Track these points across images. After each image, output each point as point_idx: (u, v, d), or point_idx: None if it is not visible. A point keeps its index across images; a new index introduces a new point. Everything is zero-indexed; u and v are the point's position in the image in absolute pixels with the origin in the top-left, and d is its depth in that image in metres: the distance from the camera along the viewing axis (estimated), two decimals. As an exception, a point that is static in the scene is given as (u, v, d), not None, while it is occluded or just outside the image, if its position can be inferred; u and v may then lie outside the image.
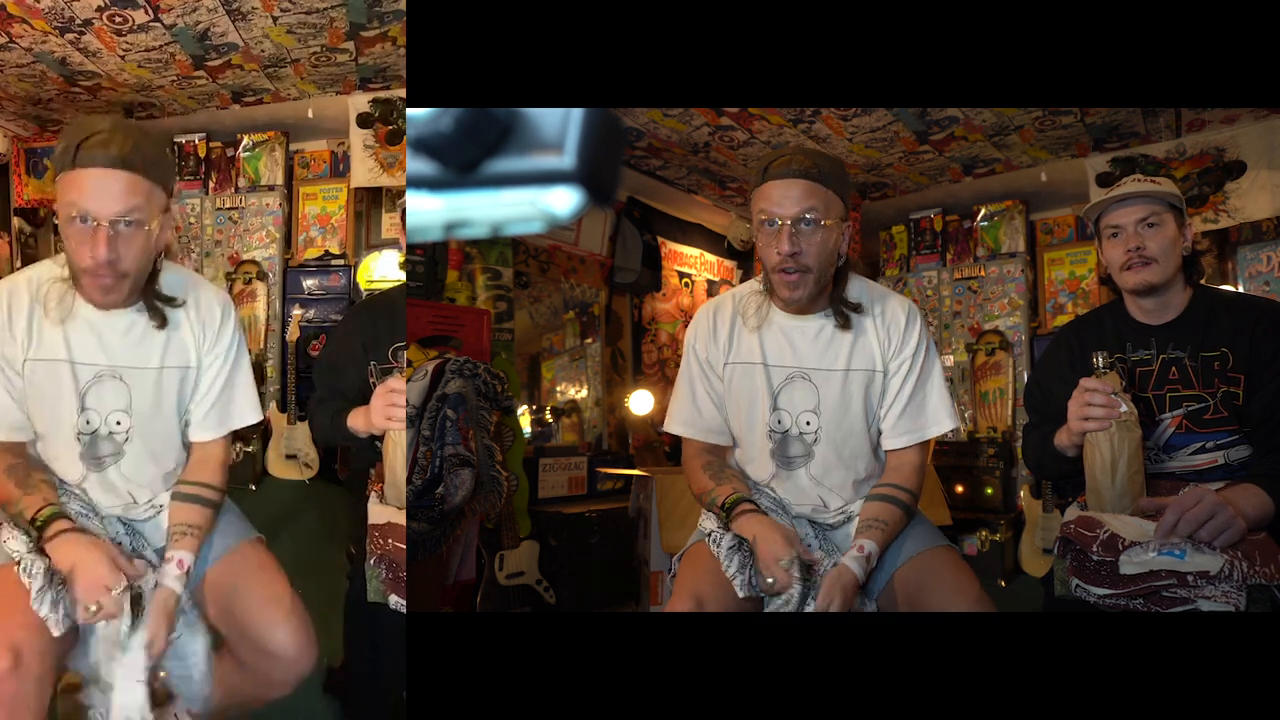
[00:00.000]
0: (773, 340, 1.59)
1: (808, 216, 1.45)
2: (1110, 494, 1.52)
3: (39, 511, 1.33)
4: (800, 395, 1.58)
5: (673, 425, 1.69)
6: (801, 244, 1.46)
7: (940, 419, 1.59)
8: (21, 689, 1.20)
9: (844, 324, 1.55)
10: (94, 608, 1.26)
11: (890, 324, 1.58)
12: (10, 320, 1.39)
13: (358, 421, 1.78)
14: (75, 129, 1.32)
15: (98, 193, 1.29)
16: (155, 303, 1.45)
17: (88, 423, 1.45)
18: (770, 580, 1.37)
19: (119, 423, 1.46)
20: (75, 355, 1.41)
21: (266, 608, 1.47)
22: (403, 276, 3.30)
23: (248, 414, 1.62)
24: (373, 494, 1.79)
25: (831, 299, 1.57)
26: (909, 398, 1.57)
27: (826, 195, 1.47)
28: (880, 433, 1.61)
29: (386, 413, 1.68)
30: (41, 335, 1.40)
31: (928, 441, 1.61)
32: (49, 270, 1.43)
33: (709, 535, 1.54)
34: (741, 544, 1.46)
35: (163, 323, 1.46)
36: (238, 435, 4.05)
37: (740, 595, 1.42)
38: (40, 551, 1.31)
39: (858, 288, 1.61)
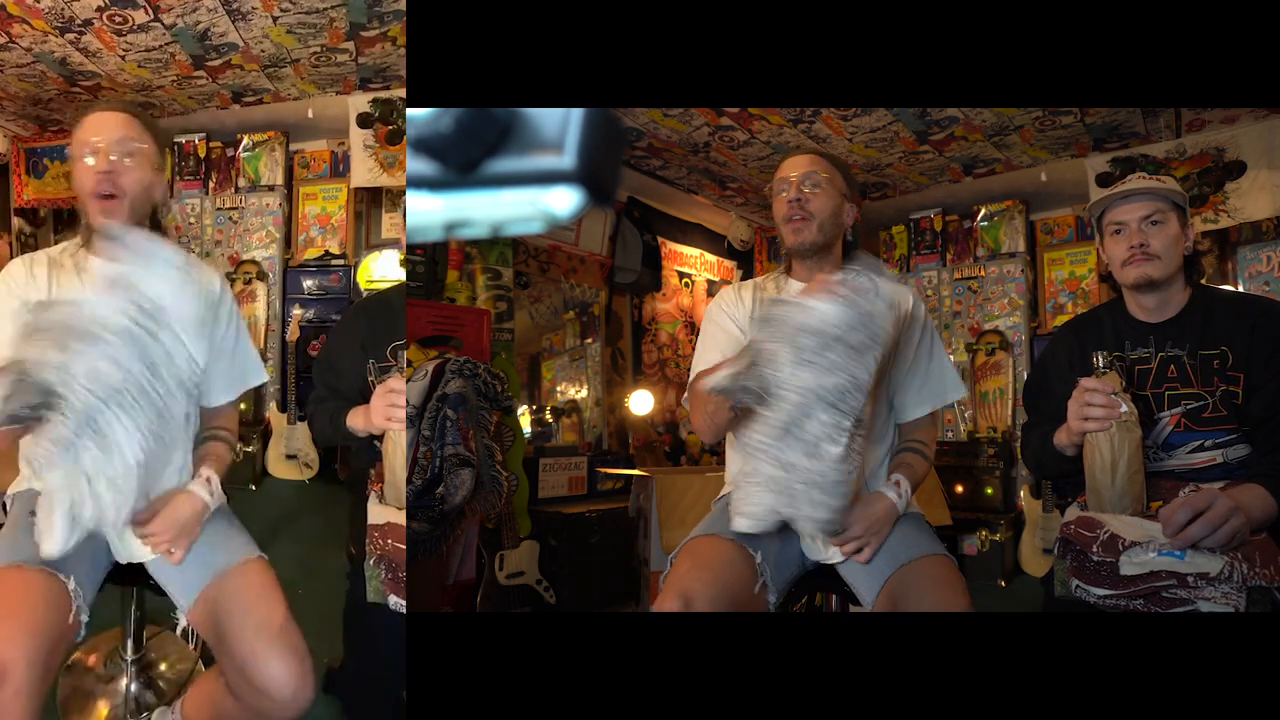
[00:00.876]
0: None
1: (812, 178, 1.69)
2: (1110, 494, 1.52)
3: None
4: None
5: (702, 382, 1.68)
6: (806, 194, 1.69)
7: (956, 386, 1.76)
8: (10, 705, 1.15)
9: None
10: None
11: (900, 301, 1.67)
12: (32, 274, 1.52)
13: (357, 421, 1.78)
14: (82, 109, 1.58)
15: (100, 126, 1.50)
16: None
17: None
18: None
19: None
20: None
21: (261, 637, 1.36)
22: (403, 276, 3.30)
23: (258, 374, 1.72)
24: (372, 494, 1.79)
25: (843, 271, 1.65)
26: (925, 371, 1.73)
27: (830, 167, 1.72)
28: (891, 406, 1.73)
29: (386, 413, 1.68)
30: (59, 284, 1.51)
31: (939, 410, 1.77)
32: (59, 246, 1.59)
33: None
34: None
35: None
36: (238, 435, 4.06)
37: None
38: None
39: (867, 261, 1.63)
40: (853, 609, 1.69)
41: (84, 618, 1.33)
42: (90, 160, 1.48)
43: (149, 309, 1.35)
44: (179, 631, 1.48)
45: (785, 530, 1.58)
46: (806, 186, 1.69)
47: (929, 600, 1.45)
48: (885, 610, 1.49)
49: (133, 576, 1.54)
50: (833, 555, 1.57)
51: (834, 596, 1.89)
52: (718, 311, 1.79)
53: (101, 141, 1.49)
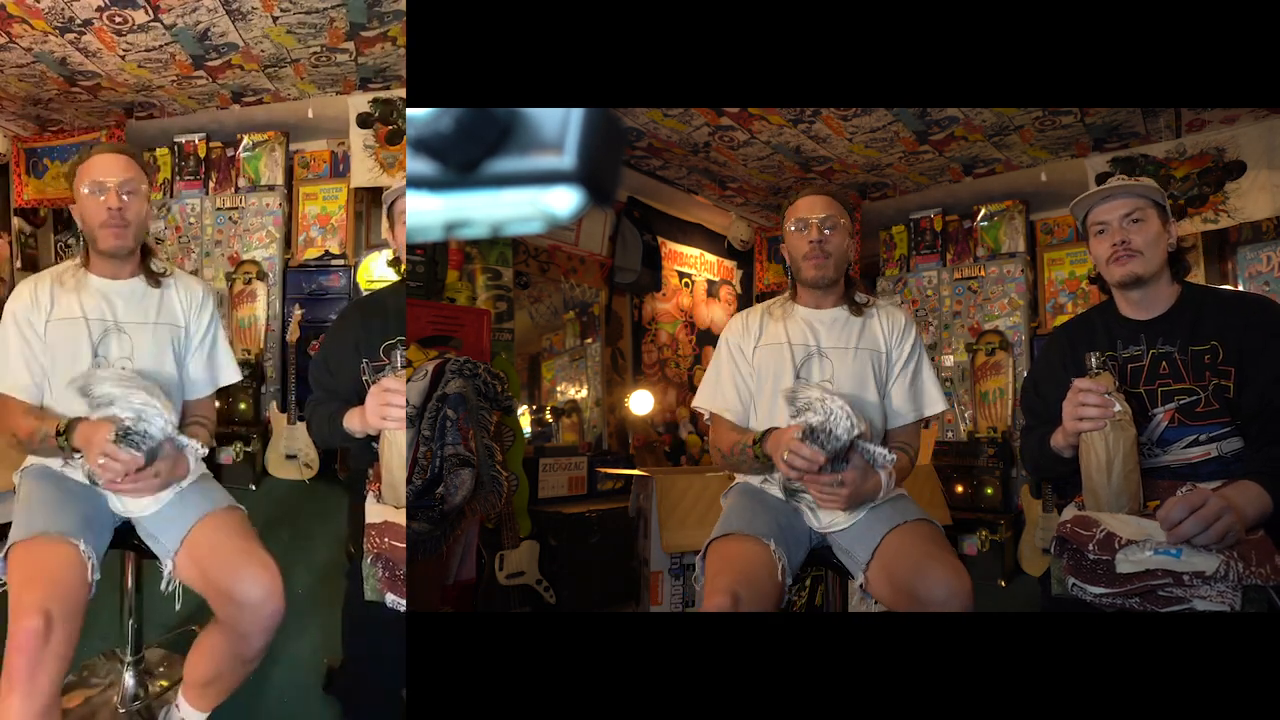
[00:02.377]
0: (795, 327, 1.94)
1: (830, 220, 1.90)
2: (1107, 493, 1.53)
3: (59, 425, 1.61)
4: (818, 369, 1.89)
5: (698, 402, 2.05)
6: (826, 235, 1.89)
7: (935, 401, 1.95)
8: (50, 648, 1.41)
9: (856, 312, 1.93)
10: (102, 460, 1.53)
11: (891, 320, 1.95)
12: (35, 295, 1.76)
13: (354, 422, 1.78)
14: (83, 150, 1.86)
15: (108, 167, 1.75)
16: (150, 270, 1.85)
17: (99, 368, 1.73)
18: (796, 459, 1.61)
19: (124, 368, 1.75)
20: (88, 314, 1.75)
21: (235, 559, 1.61)
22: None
23: (232, 374, 1.98)
24: (370, 493, 1.79)
25: (845, 296, 1.96)
26: (910, 383, 1.92)
27: (841, 209, 1.94)
28: (886, 415, 1.91)
29: (381, 413, 1.68)
30: (59, 301, 1.76)
31: (923, 420, 1.97)
32: (63, 265, 1.83)
33: (763, 481, 1.89)
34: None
35: (157, 283, 1.85)
36: (237, 436, 4.08)
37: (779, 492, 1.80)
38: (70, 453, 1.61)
39: (862, 296, 2.01)
40: (855, 606, 1.70)
41: (95, 576, 1.56)
42: (101, 197, 1.74)
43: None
44: (163, 585, 1.68)
45: (792, 512, 1.82)
46: (826, 228, 1.88)
47: (919, 551, 1.61)
48: (877, 573, 1.66)
49: (131, 544, 1.77)
50: (833, 523, 1.77)
51: (833, 591, 1.91)
52: (725, 343, 2.01)
53: (110, 181, 1.74)
